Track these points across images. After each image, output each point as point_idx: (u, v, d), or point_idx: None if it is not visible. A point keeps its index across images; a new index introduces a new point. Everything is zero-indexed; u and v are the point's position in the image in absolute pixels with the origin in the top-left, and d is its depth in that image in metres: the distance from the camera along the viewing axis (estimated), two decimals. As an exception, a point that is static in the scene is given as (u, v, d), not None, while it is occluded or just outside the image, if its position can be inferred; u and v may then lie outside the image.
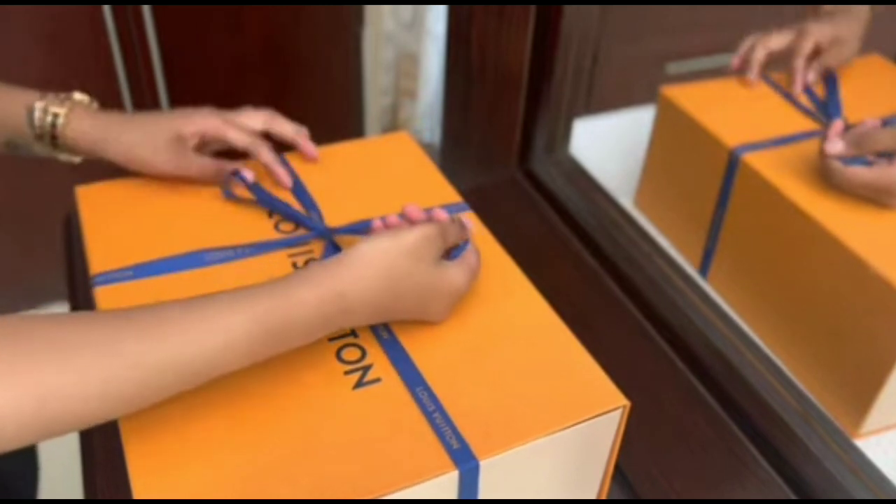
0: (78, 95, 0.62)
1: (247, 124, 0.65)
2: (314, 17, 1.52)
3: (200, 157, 0.63)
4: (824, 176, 0.69)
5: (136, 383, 0.41)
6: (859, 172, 0.66)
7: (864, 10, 0.82)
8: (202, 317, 0.43)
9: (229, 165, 0.63)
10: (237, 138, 0.63)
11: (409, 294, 0.49)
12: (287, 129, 0.67)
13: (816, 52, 0.83)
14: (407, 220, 0.56)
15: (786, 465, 0.64)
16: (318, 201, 0.63)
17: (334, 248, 0.58)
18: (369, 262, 0.48)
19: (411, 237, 0.49)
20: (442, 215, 0.56)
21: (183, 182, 0.64)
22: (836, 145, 0.68)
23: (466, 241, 0.54)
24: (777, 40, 0.84)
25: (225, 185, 0.62)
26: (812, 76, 0.82)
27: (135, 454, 0.44)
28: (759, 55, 0.83)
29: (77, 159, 0.63)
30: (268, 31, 1.49)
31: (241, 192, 0.63)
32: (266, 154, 0.64)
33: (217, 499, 0.42)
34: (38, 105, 0.59)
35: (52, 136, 0.60)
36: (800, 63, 0.82)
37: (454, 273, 0.51)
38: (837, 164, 0.67)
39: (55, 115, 0.59)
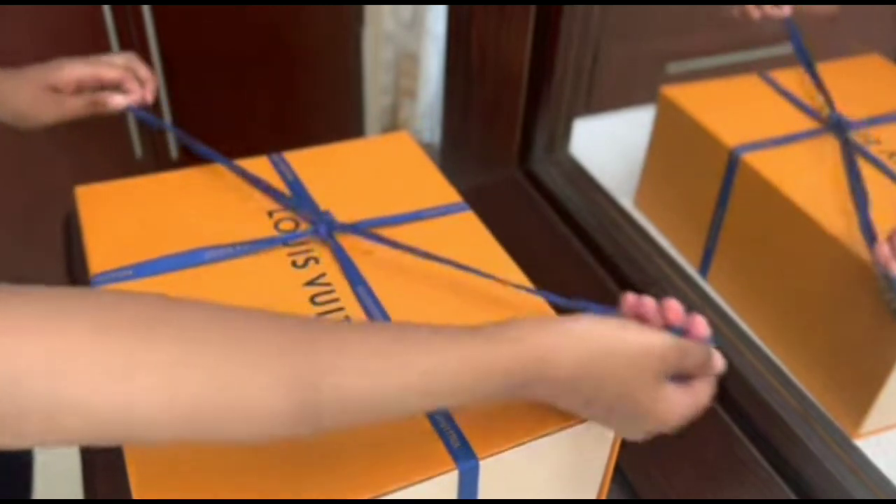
0: None
1: (113, 61, 0.68)
2: (314, 16, 1.52)
3: (75, 98, 0.66)
4: (881, 292, 0.60)
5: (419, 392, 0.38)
6: None
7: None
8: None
9: (101, 94, 0.67)
10: (110, 72, 0.67)
11: (610, 392, 0.42)
12: (142, 71, 0.70)
13: None
14: (660, 314, 0.46)
15: (786, 465, 0.64)
16: (318, 201, 0.63)
17: (337, 248, 0.58)
18: (582, 337, 0.42)
19: (641, 341, 0.42)
20: (700, 329, 0.47)
21: (182, 182, 0.64)
22: (884, 248, 0.59)
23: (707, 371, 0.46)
24: None
25: (103, 108, 0.67)
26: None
27: (134, 454, 0.44)
28: None
29: None
30: (268, 31, 1.49)
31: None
32: (143, 69, 0.69)
33: (217, 499, 0.42)
34: None
35: None
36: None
37: (674, 398, 0.43)
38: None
39: None
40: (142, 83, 0.69)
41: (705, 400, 0.45)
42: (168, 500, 0.42)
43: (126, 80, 0.68)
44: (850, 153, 0.73)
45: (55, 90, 0.65)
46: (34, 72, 0.66)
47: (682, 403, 0.44)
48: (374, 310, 0.53)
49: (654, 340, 0.43)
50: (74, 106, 0.66)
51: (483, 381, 0.39)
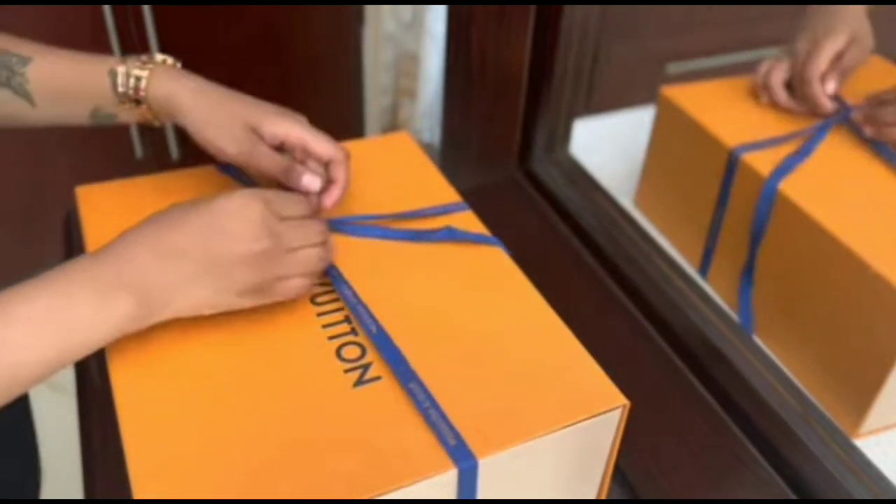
0: (159, 56, 0.60)
1: (325, 149, 0.61)
2: (314, 16, 1.52)
3: (272, 151, 0.59)
4: None
5: None
6: None
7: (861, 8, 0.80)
8: None
9: (297, 167, 0.59)
10: (328, 149, 0.60)
11: (184, 226, 0.48)
12: (341, 173, 0.61)
13: (836, 59, 0.78)
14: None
15: (786, 465, 0.64)
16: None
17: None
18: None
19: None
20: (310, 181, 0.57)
21: (182, 182, 0.64)
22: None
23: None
24: (787, 65, 0.80)
25: (289, 181, 0.59)
26: (831, 89, 0.78)
27: (135, 454, 0.44)
28: (777, 82, 0.80)
29: (157, 122, 0.62)
30: (268, 32, 1.49)
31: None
32: (344, 174, 0.60)
33: (217, 499, 0.42)
34: (121, 69, 0.58)
35: (135, 100, 0.59)
36: (817, 88, 0.77)
37: (231, 196, 0.50)
38: None
39: (137, 79, 0.58)
40: (330, 181, 0.61)
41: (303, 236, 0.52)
42: (168, 500, 0.42)
43: (336, 165, 0.61)
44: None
45: (257, 134, 0.59)
46: (250, 110, 0.60)
47: (241, 193, 0.51)
48: (360, 310, 0.53)
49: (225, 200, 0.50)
50: (272, 159, 0.59)
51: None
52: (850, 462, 0.63)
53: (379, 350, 0.50)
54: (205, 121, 0.59)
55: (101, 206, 0.62)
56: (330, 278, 0.56)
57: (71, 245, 0.83)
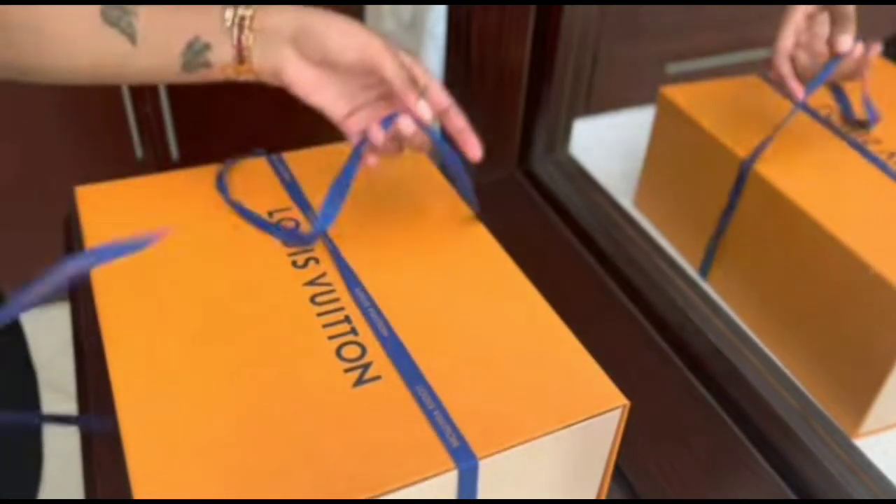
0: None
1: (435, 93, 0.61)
2: (314, 17, 1.52)
3: (358, 113, 0.60)
4: None
5: None
6: None
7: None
8: None
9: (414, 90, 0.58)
10: (440, 98, 0.61)
11: None
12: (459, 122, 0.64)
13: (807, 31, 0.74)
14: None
15: (786, 465, 0.64)
16: (316, 202, 0.63)
17: (334, 249, 0.58)
18: None
19: None
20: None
21: (183, 182, 0.64)
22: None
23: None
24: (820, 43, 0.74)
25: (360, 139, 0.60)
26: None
27: (135, 454, 0.44)
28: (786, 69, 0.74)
29: (251, 76, 0.61)
30: (268, 32, 1.49)
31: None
32: (460, 120, 0.63)
33: (217, 499, 0.42)
34: (228, 8, 0.58)
35: (243, 26, 0.58)
36: (782, 67, 0.74)
37: None
38: None
39: (242, 17, 0.58)
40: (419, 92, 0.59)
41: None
42: (168, 501, 0.42)
43: (448, 111, 0.62)
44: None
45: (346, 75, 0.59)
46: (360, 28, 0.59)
47: None
48: (372, 312, 0.53)
49: None
50: (357, 119, 0.60)
51: None
52: (850, 462, 0.63)
53: (388, 352, 0.50)
54: (330, 24, 0.59)
55: (101, 206, 0.62)
56: (343, 278, 0.56)
57: (71, 245, 0.83)
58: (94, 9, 0.57)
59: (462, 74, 1.01)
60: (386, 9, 1.62)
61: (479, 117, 1.03)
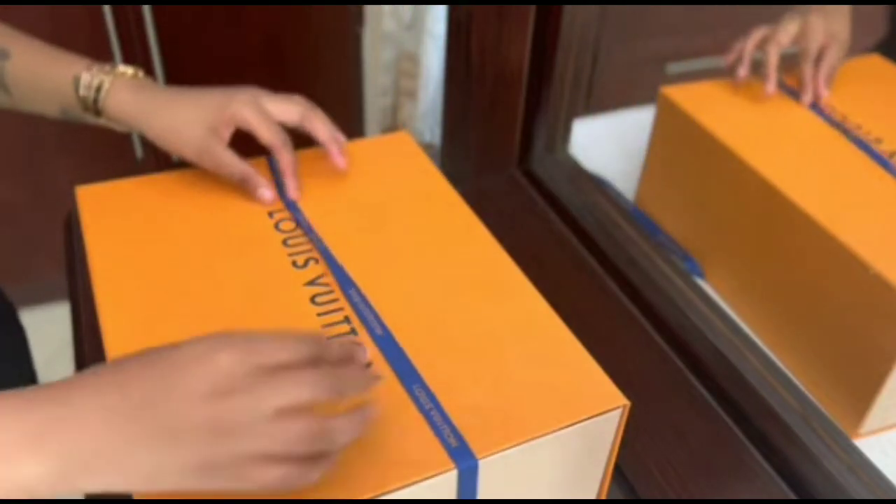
0: (121, 67, 0.61)
1: (281, 117, 0.62)
2: (314, 17, 1.52)
3: (231, 157, 0.61)
4: None
5: None
6: None
7: (846, 7, 0.79)
8: None
9: (255, 177, 0.62)
10: (266, 137, 0.61)
11: (137, 379, 0.36)
12: (322, 131, 0.64)
13: (821, 53, 0.80)
14: None
15: (786, 465, 0.64)
16: (316, 202, 0.63)
17: (326, 252, 0.58)
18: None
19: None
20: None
21: (182, 182, 0.64)
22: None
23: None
24: (785, 37, 0.80)
25: (248, 190, 0.62)
26: (825, 80, 0.79)
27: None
28: (774, 58, 0.80)
29: (121, 129, 0.63)
30: (268, 31, 1.49)
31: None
32: (286, 160, 0.62)
33: (218, 499, 0.42)
34: (85, 75, 0.59)
35: (94, 109, 0.60)
36: (810, 69, 0.79)
37: (199, 340, 0.37)
38: None
39: (98, 87, 0.59)
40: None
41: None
42: (170, 501, 0.42)
43: (278, 153, 0.62)
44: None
45: (214, 133, 0.60)
46: (202, 107, 0.60)
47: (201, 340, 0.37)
48: (367, 312, 0.53)
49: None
50: (229, 167, 0.61)
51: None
52: (850, 462, 0.63)
53: (383, 352, 0.50)
54: (162, 129, 0.60)
55: (101, 206, 0.62)
56: (336, 279, 0.56)
57: (71, 245, 0.83)
58: None
59: (462, 74, 1.01)
60: (386, 9, 1.62)
61: (479, 117, 1.03)
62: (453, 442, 0.45)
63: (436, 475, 0.44)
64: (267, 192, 0.62)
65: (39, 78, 0.60)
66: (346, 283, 0.55)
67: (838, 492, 0.61)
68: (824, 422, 0.66)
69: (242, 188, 0.62)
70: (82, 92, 0.59)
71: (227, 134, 0.61)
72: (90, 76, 0.59)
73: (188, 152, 0.60)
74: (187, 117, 0.60)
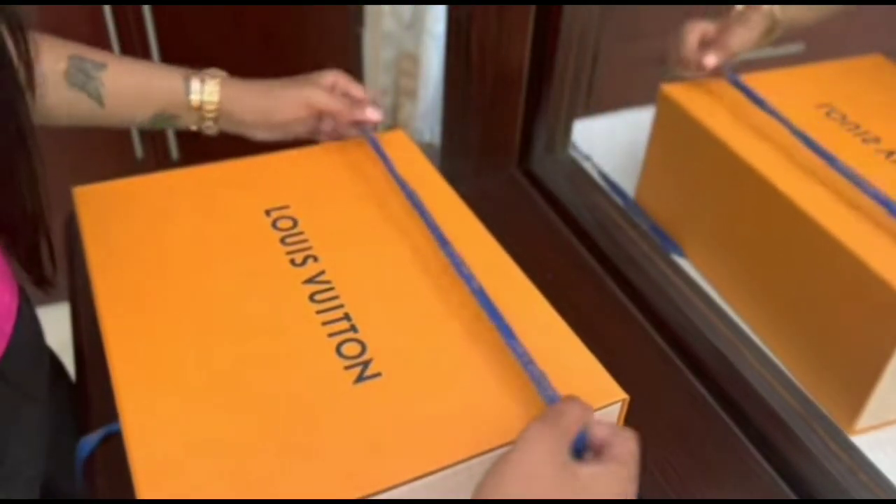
0: (212, 70, 0.69)
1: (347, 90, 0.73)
2: (314, 17, 1.52)
3: (332, 100, 0.71)
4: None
5: None
6: None
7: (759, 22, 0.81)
8: None
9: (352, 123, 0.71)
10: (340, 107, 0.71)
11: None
12: (354, 90, 0.73)
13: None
14: None
15: (786, 465, 0.64)
16: (315, 201, 0.63)
17: None
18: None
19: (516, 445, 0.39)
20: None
21: (182, 182, 0.64)
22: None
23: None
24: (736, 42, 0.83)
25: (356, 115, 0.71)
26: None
27: (138, 454, 0.44)
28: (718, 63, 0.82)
29: (213, 131, 0.69)
30: (268, 32, 1.49)
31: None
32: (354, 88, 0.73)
33: (220, 498, 0.42)
34: (194, 81, 0.66)
35: (202, 109, 0.67)
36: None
37: (592, 478, 0.38)
38: None
39: (208, 90, 0.67)
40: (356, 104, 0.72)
41: (628, 459, 0.40)
42: (171, 501, 0.42)
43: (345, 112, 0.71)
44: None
45: (296, 120, 0.70)
46: (289, 95, 0.70)
47: (603, 479, 0.39)
48: (459, 262, 0.54)
49: (522, 434, 0.39)
50: (333, 109, 0.70)
51: None
52: (849, 462, 0.62)
53: (481, 304, 0.51)
54: (265, 126, 0.69)
55: (101, 206, 0.62)
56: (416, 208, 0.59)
57: (71, 245, 0.83)
58: (60, 68, 0.61)
59: (462, 74, 1.01)
60: (386, 9, 1.62)
61: (479, 117, 1.03)
62: (551, 393, 0.46)
63: (440, 470, 0.44)
64: (375, 110, 0.71)
65: (139, 86, 0.65)
66: (344, 281, 0.55)
67: (838, 492, 0.61)
68: (824, 421, 0.66)
69: (351, 119, 0.70)
70: (193, 96, 0.66)
71: (310, 119, 0.71)
72: (198, 81, 0.67)
73: (298, 132, 0.71)
74: (284, 110, 0.70)
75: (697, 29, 0.83)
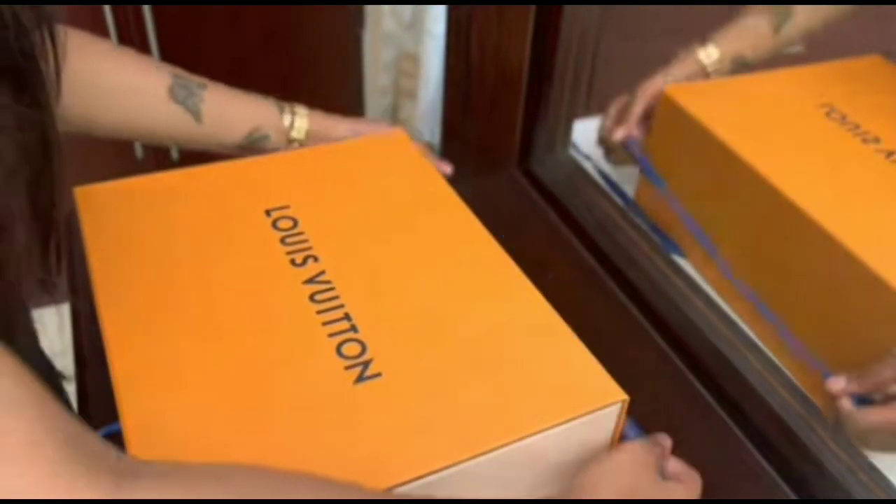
0: (301, 108, 0.72)
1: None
2: (314, 17, 1.52)
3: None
4: (843, 424, 0.62)
5: None
6: (869, 415, 0.60)
7: None
8: None
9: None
10: None
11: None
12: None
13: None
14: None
15: (786, 465, 0.64)
16: (314, 201, 0.63)
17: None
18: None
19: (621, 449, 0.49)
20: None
21: (182, 182, 0.64)
22: (838, 382, 0.62)
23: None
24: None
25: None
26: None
27: (139, 454, 0.44)
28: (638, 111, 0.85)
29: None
30: (268, 32, 1.49)
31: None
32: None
33: (219, 499, 0.42)
34: (286, 105, 0.71)
35: (291, 129, 0.70)
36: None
37: (673, 490, 0.50)
38: (849, 407, 0.61)
39: (295, 113, 0.71)
40: None
41: (692, 481, 0.52)
42: (172, 501, 0.42)
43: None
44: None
45: None
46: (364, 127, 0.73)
47: (679, 491, 0.51)
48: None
49: (630, 446, 0.49)
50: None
51: None
52: (850, 462, 0.62)
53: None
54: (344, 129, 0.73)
55: (101, 206, 0.62)
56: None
57: (71, 245, 0.83)
58: (163, 83, 0.64)
59: (462, 74, 1.01)
60: (386, 9, 1.62)
61: (479, 117, 1.03)
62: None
63: (439, 471, 0.44)
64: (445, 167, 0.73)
65: (236, 104, 0.68)
66: (344, 281, 0.55)
67: (838, 492, 0.61)
68: (824, 422, 0.66)
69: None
70: (286, 116, 0.70)
71: None
72: (288, 105, 0.71)
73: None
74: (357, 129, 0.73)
75: (616, 104, 0.87)
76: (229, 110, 0.67)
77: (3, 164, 0.37)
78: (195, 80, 0.66)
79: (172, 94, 0.64)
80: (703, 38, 0.86)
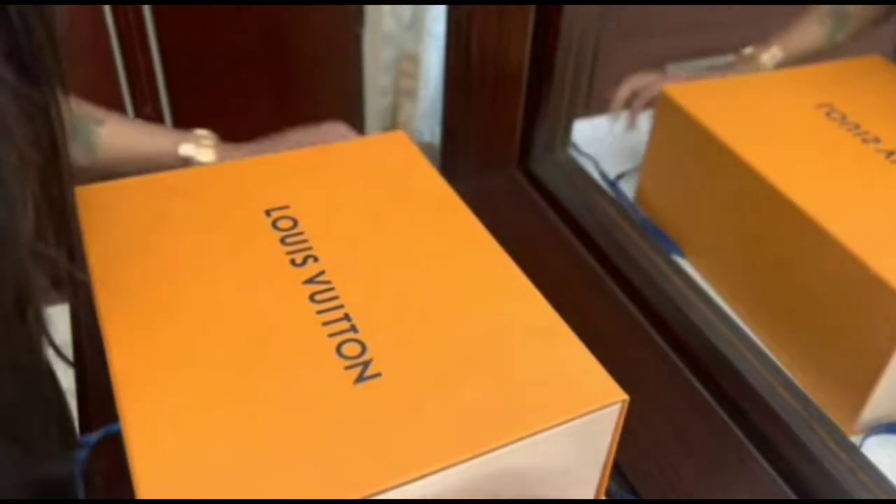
0: (198, 131, 0.73)
1: None
2: (314, 17, 1.52)
3: None
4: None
5: None
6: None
7: None
8: None
9: None
10: None
11: None
12: None
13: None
14: None
15: (786, 465, 0.64)
16: (314, 201, 0.63)
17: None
18: None
19: None
20: None
21: (182, 182, 0.64)
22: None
23: None
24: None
25: None
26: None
27: (139, 454, 0.44)
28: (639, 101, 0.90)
29: None
30: (268, 32, 1.49)
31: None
32: None
33: (221, 499, 0.42)
34: (186, 146, 0.71)
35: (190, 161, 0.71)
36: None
37: None
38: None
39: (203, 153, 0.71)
40: None
41: None
42: (172, 501, 0.42)
43: None
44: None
45: None
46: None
47: None
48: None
49: None
50: None
51: None
52: (849, 462, 0.63)
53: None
54: None
55: (101, 206, 0.62)
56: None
57: (72, 246, 0.83)
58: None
59: (462, 74, 1.01)
60: (386, 9, 1.62)
61: (480, 118, 1.03)
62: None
63: (438, 471, 0.44)
64: None
65: (136, 144, 0.69)
66: (344, 282, 0.55)
67: (838, 492, 0.61)
68: (824, 422, 0.66)
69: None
70: (183, 152, 0.70)
71: None
72: (195, 140, 0.71)
73: None
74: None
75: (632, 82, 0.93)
76: (128, 152, 0.69)
77: (16, 149, 0.38)
78: (97, 115, 0.67)
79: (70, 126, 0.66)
80: (763, 40, 0.89)
